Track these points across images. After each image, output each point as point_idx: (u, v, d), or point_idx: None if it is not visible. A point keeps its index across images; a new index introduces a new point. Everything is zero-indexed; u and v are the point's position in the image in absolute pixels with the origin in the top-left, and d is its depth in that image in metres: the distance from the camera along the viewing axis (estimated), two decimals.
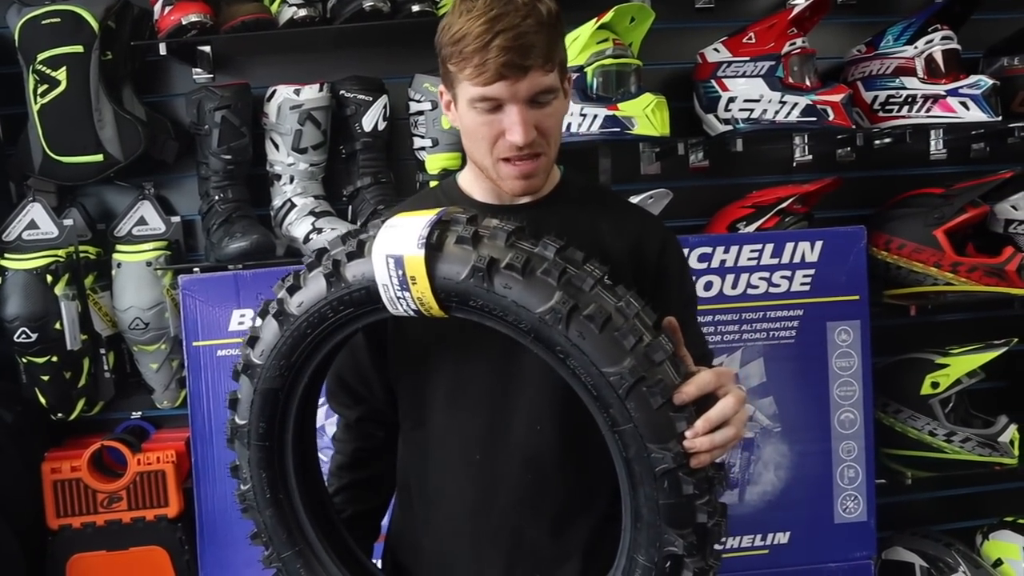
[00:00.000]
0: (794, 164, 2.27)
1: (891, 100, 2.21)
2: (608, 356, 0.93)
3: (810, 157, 2.25)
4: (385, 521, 1.45)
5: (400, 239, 0.99)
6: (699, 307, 1.92)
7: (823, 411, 1.99)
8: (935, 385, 2.20)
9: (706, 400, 0.97)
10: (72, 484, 2.23)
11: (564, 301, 0.94)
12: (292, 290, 1.08)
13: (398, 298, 1.02)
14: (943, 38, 2.17)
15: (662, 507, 0.96)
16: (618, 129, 2.04)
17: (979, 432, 2.20)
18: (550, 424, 1.23)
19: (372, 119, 2.20)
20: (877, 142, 2.36)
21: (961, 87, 2.13)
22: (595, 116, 2.05)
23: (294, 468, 1.21)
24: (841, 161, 2.45)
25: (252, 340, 1.13)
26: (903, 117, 2.20)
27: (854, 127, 2.16)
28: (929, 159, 2.37)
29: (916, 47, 2.17)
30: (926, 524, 2.46)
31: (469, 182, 1.30)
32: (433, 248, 0.97)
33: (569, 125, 2.09)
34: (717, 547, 1.02)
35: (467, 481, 1.27)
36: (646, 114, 2.01)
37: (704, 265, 1.96)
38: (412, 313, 1.03)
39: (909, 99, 2.18)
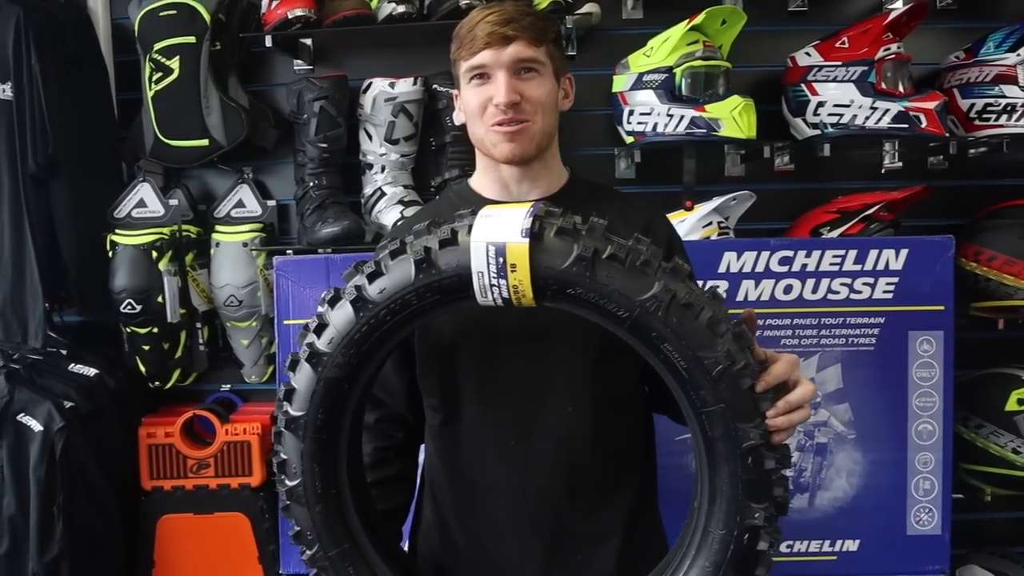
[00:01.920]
0: (883, 171, 2.26)
1: (989, 108, 2.16)
2: (704, 341, 1.00)
3: (900, 164, 2.24)
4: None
5: (501, 228, 1.02)
6: (779, 310, 1.96)
7: (900, 421, 1.96)
8: (1021, 402, 2.14)
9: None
10: (165, 449, 2.37)
11: (666, 290, 1.00)
12: (373, 276, 1.09)
13: (492, 285, 1.04)
14: None
15: (744, 482, 1.02)
16: (704, 130, 2.06)
17: None
18: (581, 406, 1.27)
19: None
20: (972, 151, 2.31)
21: None
22: (682, 117, 2.07)
23: (346, 464, 1.20)
24: (933, 169, 2.41)
25: (320, 328, 1.12)
26: (1001, 126, 2.15)
27: (947, 135, 2.12)
28: None
29: (1019, 55, 2.12)
30: (1006, 545, 2.39)
31: (480, 182, 1.37)
32: (536, 237, 1.01)
33: (655, 125, 2.11)
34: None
35: (504, 468, 1.30)
36: (733, 116, 2.02)
37: (785, 268, 1.95)
38: (500, 302, 1.06)
39: (1008, 108, 2.13)
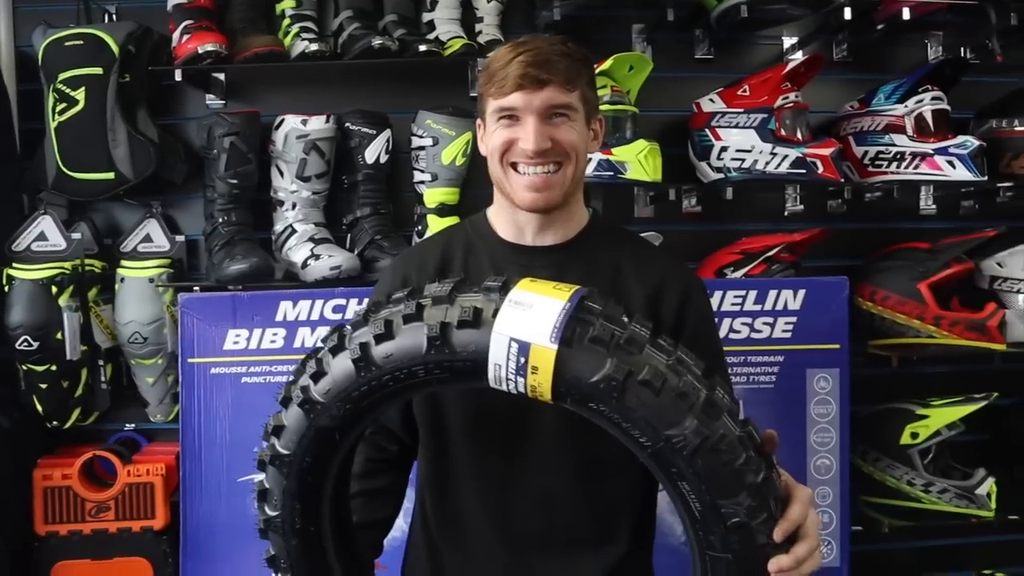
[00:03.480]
0: (785, 213, 2.36)
1: (880, 156, 2.27)
2: (727, 490, 0.92)
3: (801, 207, 2.34)
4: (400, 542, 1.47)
5: (530, 324, 0.94)
6: None
7: (799, 456, 2.02)
8: (914, 435, 2.23)
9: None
10: (62, 491, 2.27)
11: (697, 431, 0.91)
12: (381, 339, 1.01)
13: (508, 379, 0.96)
14: (933, 98, 2.24)
15: None
16: (611, 173, 2.11)
17: (957, 484, 2.22)
18: (564, 466, 1.26)
19: (375, 152, 2.27)
20: (868, 195, 2.42)
21: (949, 146, 2.19)
22: (589, 159, 2.11)
23: (329, 501, 1.16)
24: (832, 212, 2.51)
25: (317, 376, 1.05)
26: (892, 173, 2.27)
27: (842, 180, 2.22)
28: (919, 214, 2.44)
29: (906, 106, 2.24)
30: (905, 574, 2.47)
31: (496, 216, 1.34)
32: (567, 343, 0.92)
33: None
34: None
35: (483, 515, 1.29)
36: (639, 159, 2.08)
37: None
38: (514, 393, 0.98)
39: (898, 155, 2.25)
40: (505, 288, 0.99)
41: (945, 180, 2.20)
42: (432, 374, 1.00)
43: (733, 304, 2.01)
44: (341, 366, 1.03)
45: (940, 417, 2.22)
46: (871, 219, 2.52)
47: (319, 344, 1.09)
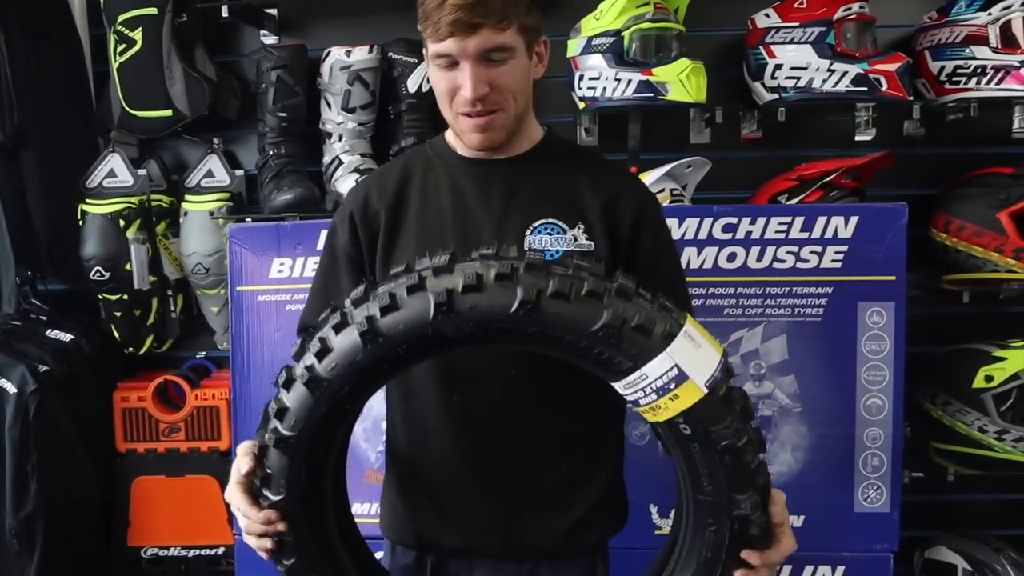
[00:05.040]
0: (856, 138, 2.17)
1: (959, 71, 2.06)
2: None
3: (874, 131, 2.14)
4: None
5: (697, 361, 1.02)
6: (723, 279, 1.92)
7: (848, 394, 1.90)
8: (989, 379, 2.05)
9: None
10: (138, 413, 2.45)
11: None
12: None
13: (644, 387, 1.03)
14: (1022, 4, 2.00)
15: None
16: (651, 95, 2.01)
17: None
18: (525, 370, 1.26)
19: (417, 80, 2.26)
20: (951, 116, 2.21)
21: None
22: (629, 81, 2.02)
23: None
24: (910, 136, 2.30)
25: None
26: (971, 89, 2.05)
27: (910, 98, 2.02)
28: (1011, 137, 2.20)
29: (990, 13, 2.01)
30: (981, 527, 2.31)
31: (453, 138, 1.34)
32: (712, 392, 1.02)
33: (604, 89, 2.07)
34: None
35: (447, 421, 1.30)
36: (680, 79, 1.97)
37: (729, 236, 1.90)
38: (629, 399, 1.07)
39: (979, 70, 2.03)
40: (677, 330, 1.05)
41: None
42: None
43: (778, 232, 1.89)
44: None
45: (1018, 360, 2.03)
46: (954, 144, 2.30)
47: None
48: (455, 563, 1.35)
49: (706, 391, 1.02)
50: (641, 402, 1.05)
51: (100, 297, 2.41)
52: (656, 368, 1.02)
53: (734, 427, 1.04)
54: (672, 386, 1.01)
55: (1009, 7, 2.00)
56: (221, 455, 2.44)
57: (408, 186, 1.33)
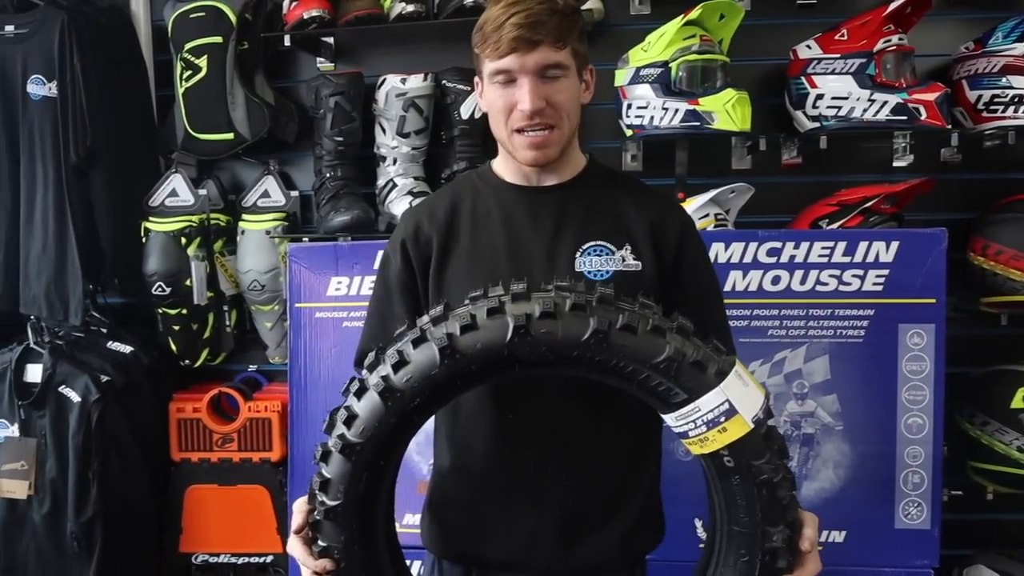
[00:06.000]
0: (894, 164, 2.24)
1: (996, 99, 2.13)
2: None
3: (911, 157, 2.21)
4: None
5: (745, 399, 1.11)
6: (767, 300, 1.98)
7: (889, 414, 1.95)
8: None
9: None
10: (193, 423, 2.54)
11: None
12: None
13: (695, 418, 1.12)
14: None
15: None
16: (698, 123, 2.09)
17: None
18: (575, 394, 1.31)
19: (469, 108, 2.36)
20: (987, 143, 2.27)
21: None
22: (676, 110, 2.11)
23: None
24: (947, 163, 2.36)
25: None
26: (1009, 118, 2.12)
27: (949, 126, 2.09)
28: None
29: None
30: (1019, 547, 2.35)
31: (501, 166, 1.42)
32: (758, 427, 1.11)
33: (652, 118, 2.16)
34: None
35: (498, 441, 1.36)
36: (726, 109, 2.05)
37: (773, 260, 1.97)
38: (681, 430, 1.14)
39: (1016, 99, 2.10)
40: (726, 370, 1.13)
41: None
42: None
43: (821, 256, 1.95)
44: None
45: None
46: (990, 170, 2.36)
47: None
48: None
49: (752, 426, 1.10)
50: (690, 434, 1.12)
51: (160, 311, 2.51)
52: (709, 402, 1.10)
53: (773, 463, 1.12)
54: (722, 419, 1.10)
55: None
56: (272, 465, 2.52)
57: (458, 212, 1.39)
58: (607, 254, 1.33)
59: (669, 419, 1.14)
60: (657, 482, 1.46)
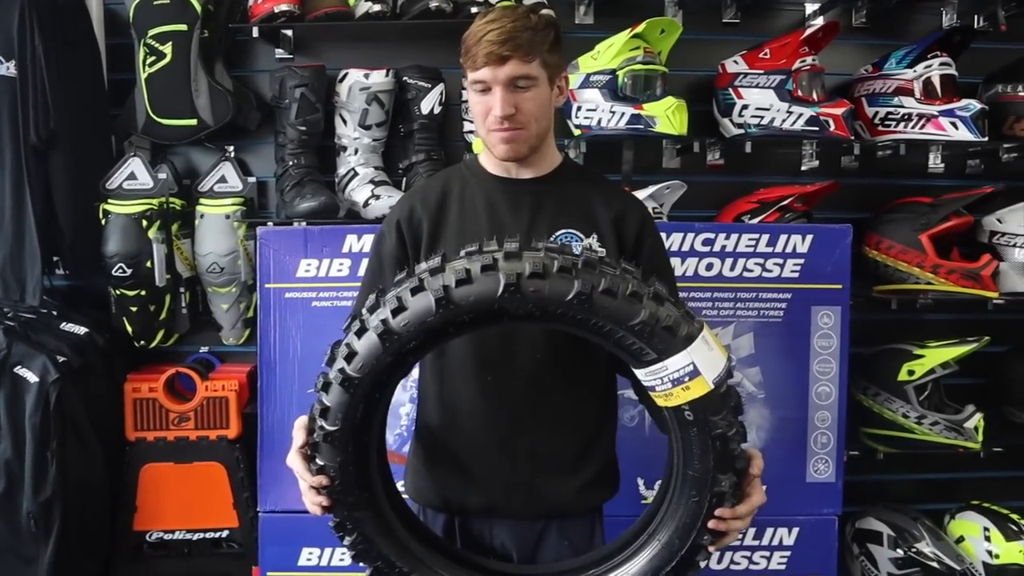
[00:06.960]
0: (802, 168, 2.56)
1: (890, 116, 2.47)
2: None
3: (817, 163, 2.54)
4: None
5: (708, 362, 1.23)
6: (701, 284, 2.25)
7: (803, 383, 2.28)
8: (911, 372, 2.46)
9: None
10: (149, 403, 2.57)
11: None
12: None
13: (661, 376, 1.24)
14: (941, 64, 2.43)
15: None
16: (641, 126, 2.34)
17: (947, 417, 2.46)
18: (548, 354, 1.52)
19: (429, 104, 2.52)
20: (880, 153, 2.62)
21: (952, 109, 2.39)
22: (623, 114, 2.34)
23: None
24: (846, 168, 2.72)
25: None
26: (899, 132, 2.47)
27: (852, 137, 2.42)
28: (927, 172, 2.63)
29: (915, 71, 2.44)
30: (902, 503, 2.72)
31: (486, 160, 1.61)
32: (717, 388, 1.23)
33: (599, 120, 2.39)
34: None
35: (480, 398, 1.54)
36: (667, 115, 2.30)
37: (707, 249, 2.25)
38: (647, 383, 1.28)
39: (906, 116, 2.45)
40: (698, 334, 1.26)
41: (948, 140, 2.41)
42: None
43: (747, 246, 2.25)
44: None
45: (935, 357, 2.46)
46: (882, 176, 2.72)
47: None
48: (478, 522, 1.60)
49: (712, 387, 1.23)
50: (657, 388, 1.27)
51: (117, 292, 2.55)
52: (676, 363, 1.23)
53: (728, 419, 1.26)
54: (686, 379, 1.22)
55: (930, 66, 2.43)
56: (229, 442, 2.58)
57: (448, 198, 1.58)
58: (576, 241, 1.53)
59: (640, 373, 1.28)
60: (613, 441, 1.67)
